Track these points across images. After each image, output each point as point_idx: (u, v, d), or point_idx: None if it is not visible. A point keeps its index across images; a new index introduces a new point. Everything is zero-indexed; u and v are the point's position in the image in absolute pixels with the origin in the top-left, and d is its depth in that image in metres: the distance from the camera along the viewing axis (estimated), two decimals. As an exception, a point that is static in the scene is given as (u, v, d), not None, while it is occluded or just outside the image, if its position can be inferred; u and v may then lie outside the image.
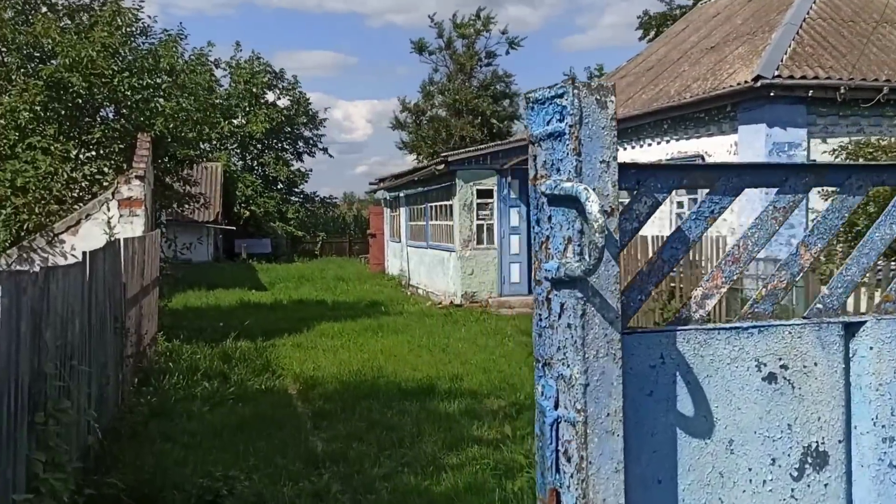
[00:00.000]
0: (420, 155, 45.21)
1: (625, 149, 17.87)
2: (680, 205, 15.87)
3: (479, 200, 18.58)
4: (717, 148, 14.40)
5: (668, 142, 16.10)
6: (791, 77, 12.70)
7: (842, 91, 12.76)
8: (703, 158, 14.83)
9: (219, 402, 9.09)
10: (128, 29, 14.48)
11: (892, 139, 12.32)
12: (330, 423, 8.29)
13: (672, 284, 11.91)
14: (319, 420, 8.46)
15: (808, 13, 14.72)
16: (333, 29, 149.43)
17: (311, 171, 48.89)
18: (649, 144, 16.79)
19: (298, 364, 11.56)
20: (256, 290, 23.26)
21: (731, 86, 13.39)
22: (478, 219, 18.62)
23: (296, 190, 47.80)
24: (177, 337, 12.81)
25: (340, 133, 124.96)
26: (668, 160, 16.01)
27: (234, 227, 38.84)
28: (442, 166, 18.32)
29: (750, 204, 13.30)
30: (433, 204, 20.88)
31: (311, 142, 48.61)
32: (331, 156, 77.85)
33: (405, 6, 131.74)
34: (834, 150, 12.76)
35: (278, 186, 45.92)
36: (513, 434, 7.78)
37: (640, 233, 12.80)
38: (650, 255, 13.23)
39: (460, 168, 18.41)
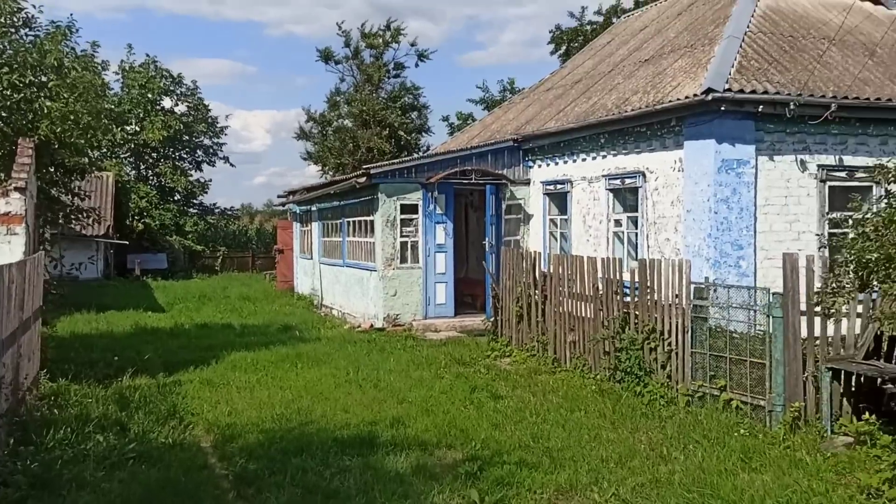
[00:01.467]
0: (325, 166, 43.73)
1: (556, 164, 17.02)
2: (618, 223, 15.09)
3: (402, 216, 17.36)
4: (660, 164, 13.67)
5: (604, 157, 15.30)
6: (741, 91, 12.06)
7: (791, 107, 12.20)
8: (644, 176, 14.09)
9: (116, 463, 7.51)
10: (8, 19, 12.61)
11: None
12: (257, 491, 6.88)
13: (626, 311, 11.01)
14: (244, 486, 7.03)
15: (748, 27, 14.22)
16: (231, 37, 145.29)
17: (210, 181, 46.33)
18: (584, 160, 15.97)
19: (210, 407, 10.03)
20: (153, 312, 21.27)
21: (677, 99, 12.67)
22: (401, 235, 17.38)
23: (194, 201, 45.35)
24: (63, 374, 11.05)
25: (238, 143, 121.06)
26: (605, 176, 15.23)
27: (127, 242, 36.22)
28: (363, 179, 17.01)
29: (697, 223, 12.60)
30: (352, 219, 19.52)
31: (212, 151, 46.29)
32: (232, 165, 74.85)
33: (306, 17, 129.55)
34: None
35: (175, 198, 43.40)
36: (480, 500, 6.58)
37: (576, 252, 11.70)
38: (586, 272, 12.35)
39: (383, 181, 17.15)
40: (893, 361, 8.74)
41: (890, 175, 6.43)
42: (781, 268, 12.72)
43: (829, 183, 13.03)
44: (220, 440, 8.54)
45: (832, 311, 7.40)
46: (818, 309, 8.00)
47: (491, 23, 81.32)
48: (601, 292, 11.65)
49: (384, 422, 9.18)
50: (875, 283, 6.58)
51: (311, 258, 23.96)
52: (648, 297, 10.59)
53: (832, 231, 13.10)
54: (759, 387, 8.94)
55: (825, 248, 6.47)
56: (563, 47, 39.39)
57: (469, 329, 17.00)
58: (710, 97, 11.91)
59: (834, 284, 6.95)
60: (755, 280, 12.40)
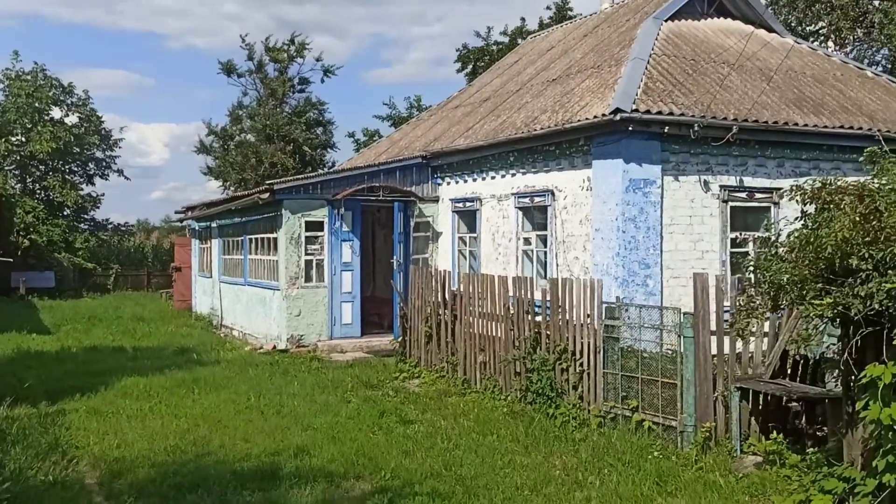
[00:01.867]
0: (227, 181, 42.52)
1: (466, 181, 16.87)
2: (527, 241, 15.03)
3: (307, 233, 16.82)
4: (569, 183, 13.67)
5: (513, 175, 15.24)
6: (648, 112, 12.17)
7: (696, 128, 12.40)
8: (553, 194, 14.07)
9: (-12, 506, 6.78)
10: None
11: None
12: (148, 534, 6.30)
13: (537, 331, 10.85)
14: (133, 528, 6.44)
15: (652, 50, 14.45)
16: (129, 48, 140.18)
17: (103, 195, 44.28)
18: (493, 178, 15.86)
19: (97, 439, 9.28)
20: (38, 335, 19.93)
21: (585, 118, 12.69)
22: (306, 254, 16.84)
23: (85, 216, 43.19)
24: (-70, 406, 10.07)
25: (135, 157, 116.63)
26: (514, 194, 15.16)
27: (11, 259, 34.04)
28: (266, 195, 16.42)
29: (605, 242, 12.62)
30: (254, 236, 18.83)
31: (105, 164, 44.28)
32: (127, 178, 71.73)
33: (207, 29, 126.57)
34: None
35: (65, 213, 41.21)
36: (393, 536, 6.21)
37: (485, 270, 11.54)
38: (497, 291, 12.17)
39: (287, 197, 16.59)
40: (798, 380, 8.87)
41: (806, 196, 6.44)
42: (688, 286, 13.01)
43: (730, 203, 13.30)
44: (107, 476, 7.86)
45: (745, 331, 7.42)
46: (731, 329, 8.01)
47: (397, 41, 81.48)
48: (512, 312, 11.48)
49: (288, 451, 8.69)
50: (785, 304, 6.57)
51: (211, 276, 23.05)
52: (560, 316, 10.47)
53: (733, 251, 13.38)
54: (671, 407, 8.90)
55: (749, 269, 6.50)
56: (470, 66, 39.58)
57: (376, 350, 16.58)
58: (618, 117, 11.96)
59: (748, 305, 6.95)
60: (661, 299, 12.50)
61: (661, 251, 12.74)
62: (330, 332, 16.94)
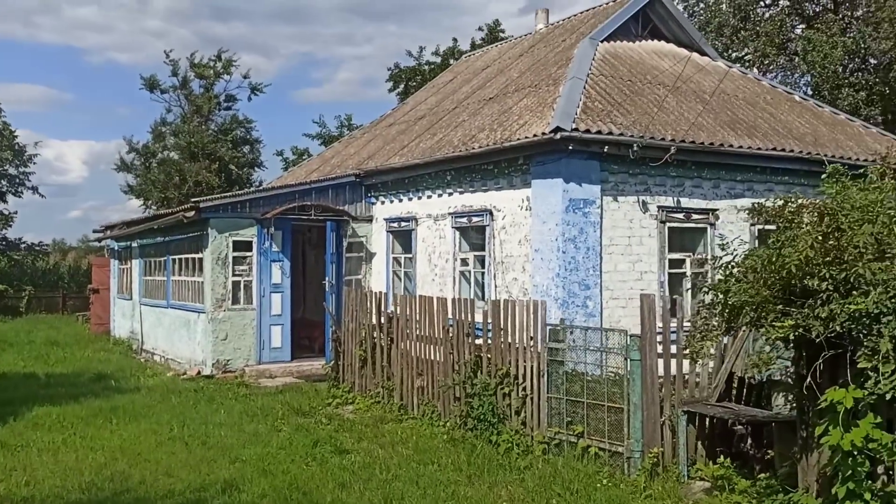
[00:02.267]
0: (149, 200, 41.19)
1: (401, 201, 16.48)
2: (464, 262, 14.71)
3: (235, 253, 16.14)
4: (508, 203, 13.43)
5: (450, 194, 14.93)
6: (588, 131, 12.04)
7: (635, 148, 12.33)
8: (491, 214, 13.81)
9: None
10: None
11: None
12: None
13: (478, 354, 10.50)
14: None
15: (590, 70, 14.39)
16: (46, 62, 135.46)
17: (16, 213, 42.29)
18: (429, 197, 15.53)
19: (3, 476, 8.50)
20: (-59, 361, 18.60)
21: (525, 137, 12.48)
22: (234, 275, 16.14)
23: (-3, 235, 41.21)
24: None
25: (51, 174, 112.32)
26: (451, 214, 14.84)
27: (-86, 280, 32.08)
28: (192, 213, 15.69)
29: (545, 263, 12.40)
30: (178, 256, 18.01)
31: (18, 180, 42.38)
32: (42, 196, 68.93)
33: (130, 45, 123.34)
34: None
35: (-26, 231, 39.22)
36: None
37: (421, 292, 11.19)
38: (435, 313, 11.80)
39: (214, 216, 15.90)
40: (744, 402, 8.73)
41: (768, 214, 6.28)
42: (627, 308, 12.90)
43: (668, 224, 13.27)
44: (11, 520, 7.14)
45: (700, 354, 7.22)
46: (686, 352, 7.80)
47: (326, 61, 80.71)
48: (452, 335, 11.10)
49: (215, 486, 8.08)
50: (742, 325, 6.38)
51: (131, 298, 21.99)
52: (502, 339, 10.14)
53: (671, 271, 13.33)
54: (617, 432, 8.64)
55: (705, 291, 6.32)
56: (402, 85, 39.37)
57: (307, 374, 15.96)
58: (558, 136, 11.79)
59: (703, 327, 6.75)
60: (601, 320, 12.33)
61: (601, 272, 12.58)
62: (258, 357, 16.25)
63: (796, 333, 5.66)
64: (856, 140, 15.81)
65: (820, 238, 5.50)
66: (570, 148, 12.00)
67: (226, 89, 42.56)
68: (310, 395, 13.78)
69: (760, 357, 6.47)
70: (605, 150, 12.27)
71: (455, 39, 39.60)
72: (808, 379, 5.81)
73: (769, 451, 8.18)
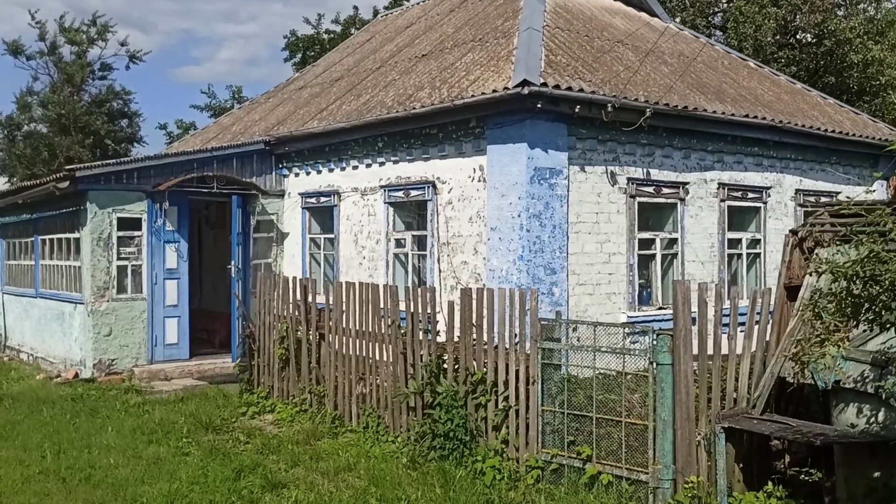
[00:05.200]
0: (13, 177, 36.96)
1: (319, 172, 14.20)
2: (400, 243, 12.64)
3: (120, 233, 13.45)
4: (456, 173, 11.45)
5: (382, 164, 12.79)
6: (558, 87, 10.18)
7: (609, 109, 10.56)
8: (434, 187, 11.79)
9: None
10: None
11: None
12: None
13: (439, 354, 8.50)
14: None
15: (544, 22, 12.54)
16: None
17: None
18: (355, 167, 13.33)
19: None
20: None
21: (482, 93, 10.50)
22: (119, 258, 13.46)
23: None
24: None
25: None
26: (384, 187, 12.72)
27: None
28: (66, 184, 12.92)
29: (504, 244, 10.51)
30: (49, 236, 15.09)
31: None
32: None
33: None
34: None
35: None
36: None
37: (345, 278, 8.93)
38: (381, 304, 9.77)
39: (94, 187, 13.16)
40: (790, 414, 7.11)
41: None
42: (595, 295, 11.19)
43: (638, 199, 11.63)
44: None
45: (818, 362, 5.51)
46: (793, 363, 6.04)
47: (208, 38, 75.83)
48: (404, 330, 9.05)
49: (109, 554, 5.79)
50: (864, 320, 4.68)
51: (-9, 287, 18.73)
52: (475, 337, 8.17)
53: (640, 253, 11.73)
54: (639, 456, 6.85)
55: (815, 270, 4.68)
56: (299, 55, 36.53)
57: (210, 375, 13.55)
58: (525, 91, 9.86)
59: (817, 328, 5.06)
60: (567, 310, 10.57)
61: (567, 254, 10.81)
62: (150, 355, 13.67)
63: None
64: (819, 110, 14.69)
65: None
66: (538, 107, 10.10)
67: (101, 57, 38.60)
68: (217, 401, 11.45)
69: (824, 360, 4.90)
70: (577, 110, 10.43)
71: (356, 8, 36.86)
72: None
73: (811, 472, 6.59)
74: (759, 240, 13.32)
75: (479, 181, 11.06)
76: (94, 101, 39.05)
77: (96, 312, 13.28)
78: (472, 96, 10.62)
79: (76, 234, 13.79)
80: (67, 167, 13.34)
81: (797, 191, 13.76)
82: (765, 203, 13.30)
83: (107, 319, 13.36)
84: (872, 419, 6.01)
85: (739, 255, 13.09)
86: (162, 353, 13.82)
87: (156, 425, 9.92)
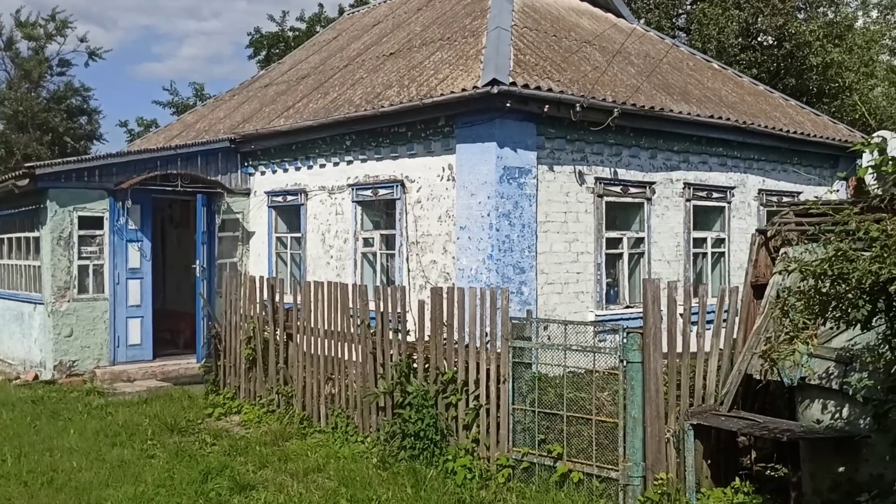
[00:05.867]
0: (-33, 177, 36.05)
1: (286, 171, 14.08)
2: (368, 242, 12.58)
3: (82, 232, 13.21)
4: (425, 172, 11.42)
5: (350, 163, 12.72)
6: (527, 86, 10.20)
7: (578, 109, 10.61)
8: (403, 186, 11.75)
9: None
10: None
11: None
12: None
13: (409, 354, 8.46)
14: None
15: (512, 21, 12.57)
16: None
17: None
18: (323, 166, 13.24)
19: None
20: None
21: (451, 92, 10.48)
22: (80, 258, 13.22)
23: None
24: None
25: None
26: (352, 186, 12.65)
27: None
28: (25, 181, 12.65)
29: (474, 243, 10.52)
30: (7, 235, 14.77)
31: None
32: None
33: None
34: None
35: None
36: None
37: (313, 277, 8.81)
38: (350, 303, 9.72)
39: (55, 185, 12.90)
40: (755, 411, 7.21)
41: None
42: (563, 294, 11.24)
43: (605, 198, 11.70)
44: None
45: (786, 359, 5.57)
46: (763, 361, 6.11)
47: (169, 35, 74.52)
48: (373, 330, 9.01)
49: (74, 559, 5.67)
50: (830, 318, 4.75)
51: (-54, 287, 18.25)
52: (445, 336, 8.15)
53: (608, 252, 11.81)
54: (609, 453, 6.89)
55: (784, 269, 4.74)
56: (264, 52, 36.19)
57: (175, 376, 13.35)
58: (495, 90, 9.87)
59: (786, 326, 5.12)
60: (536, 309, 10.60)
61: (536, 253, 10.84)
62: (112, 356, 13.43)
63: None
64: (781, 111, 14.92)
65: None
66: (508, 106, 10.12)
67: (59, 53, 37.88)
68: (182, 403, 11.28)
69: (793, 357, 4.98)
70: (546, 109, 10.47)
71: (321, 5, 36.64)
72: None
73: (776, 468, 6.68)
74: (724, 239, 13.49)
75: (449, 180, 11.05)
76: (52, 98, 38.31)
77: (57, 313, 13.02)
78: (442, 95, 10.60)
79: (36, 233, 13.51)
80: (27, 165, 13.05)
81: (760, 191, 13.97)
82: (729, 203, 13.48)
83: (68, 320, 13.11)
84: (837, 415, 6.12)
85: (704, 254, 13.24)
86: (125, 354, 13.59)
87: (119, 427, 9.75)
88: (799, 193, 14.37)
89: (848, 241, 4.42)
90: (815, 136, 14.35)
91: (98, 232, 13.39)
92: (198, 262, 13.88)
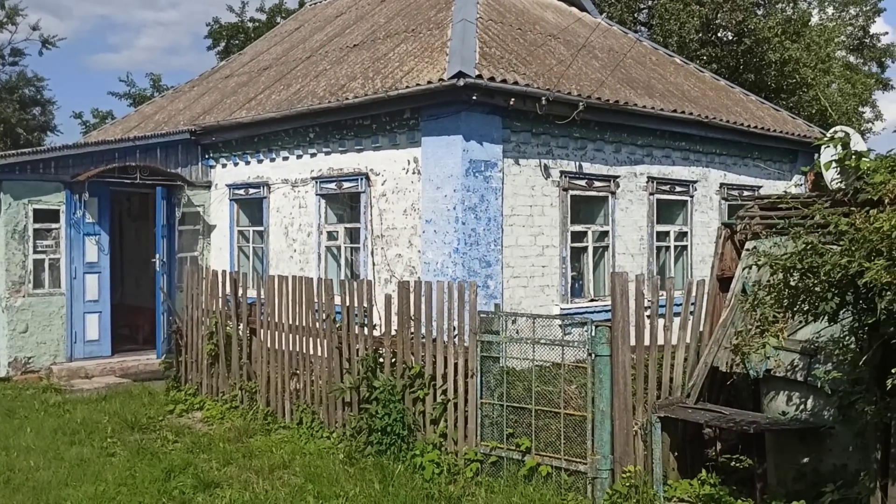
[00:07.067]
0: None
1: (248, 163, 13.88)
2: (332, 236, 12.46)
3: (37, 225, 12.87)
4: (390, 165, 11.33)
5: (314, 155, 12.58)
6: (493, 79, 10.16)
7: (543, 102, 10.61)
8: (368, 179, 11.65)
9: None
10: None
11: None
12: None
13: (375, 348, 8.38)
14: None
15: (477, 14, 12.51)
16: None
17: None
18: (286, 158, 13.07)
19: None
20: None
21: (417, 84, 10.40)
22: (35, 251, 12.88)
23: None
24: None
25: None
26: (316, 179, 12.51)
27: None
28: (-23, 174, 12.30)
29: (440, 236, 10.47)
30: (-42, 229, 14.33)
31: None
32: None
33: None
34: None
35: None
36: None
37: (276, 271, 8.77)
38: (315, 297, 9.62)
39: (8, 177, 12.55)
40: (721, 404, 7.27)
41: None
42: (528, 287, 11.25)
43: (570, 192, 11.72)
44: None
45: (757, 352, 5.60)
46: (732, 354, 6.14)
47: (126, 25, 73.01)
48: (339, 324, 8.91)
49: (33, 562, 5.51)
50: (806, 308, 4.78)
51: None
52: (412, 330, 8.09)
53: (573, 245, 11.84)
54: (577, 447, 6.89)
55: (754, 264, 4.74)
56: (223, 43, 35.64)
57: (134, 373, 13.10)
58: (461, 82, 9.82)
59: (762, 316, 5.15)
60: (502, 302, 10.59)
61: (502, 247, 10.83)
62: (70, 353, 13.14)
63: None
64: (742, 106, 15.10)
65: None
66: (474, 98, 10.08)
67: (10, 42, 36.92)
68: (143, 399, 11.08)
69: (764, 350, 5.04)
70: (512, 102, 10.45)
71: (281, -4, 36.16)
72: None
73: (741, 458, 6.76)
74: (686, 232, 13.61)
75: (414, 173, 10.98)
76: (4, 88, 37.33)
77: (11, 308, 12.68)
78: (407, 87, 10.52)
79: (-11, 227, 13.12)
80: (-22, 156, 12.68)
81: (722, 184, 14.13)
82: (691, 196, 13.61)
83: (23, 315, 12.78)
84: (802, 406, 6.19)
85: (668, 248, 13.35)
86: (82, 350, 13.29)
87: (78, 425, 9.52)
88: (759, 188, 14.56)
89: (817, 236, 4.46)
90: (775, 130, 14.55)
91: (54, 225, 13.07)
92: (157, 255, 13.62)
